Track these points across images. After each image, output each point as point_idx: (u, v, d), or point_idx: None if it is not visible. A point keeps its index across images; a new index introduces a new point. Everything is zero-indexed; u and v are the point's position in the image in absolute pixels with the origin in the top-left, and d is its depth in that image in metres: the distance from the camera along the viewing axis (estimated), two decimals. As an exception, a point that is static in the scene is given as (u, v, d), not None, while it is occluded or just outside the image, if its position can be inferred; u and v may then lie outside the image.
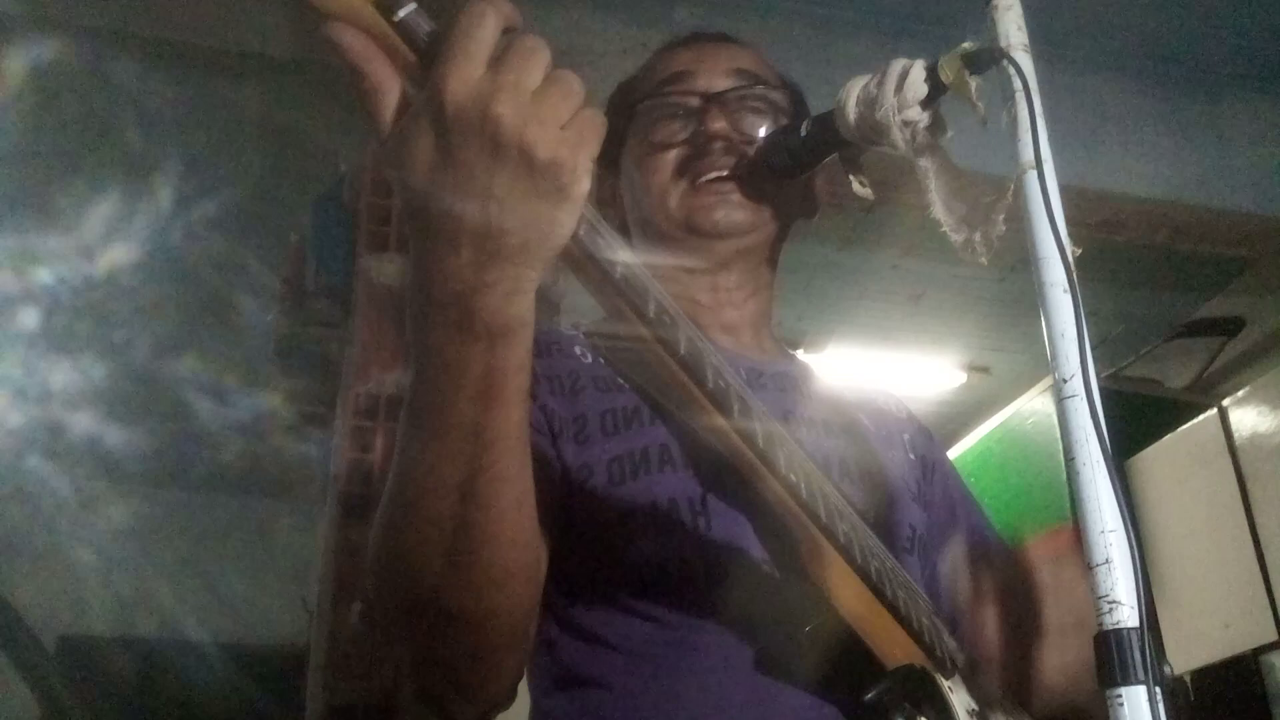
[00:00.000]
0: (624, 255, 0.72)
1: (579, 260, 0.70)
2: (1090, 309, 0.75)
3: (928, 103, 0.94)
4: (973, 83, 0.92)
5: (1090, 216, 2.95)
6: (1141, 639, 0.66)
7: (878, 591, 0.87)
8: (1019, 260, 0.78)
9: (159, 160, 3.20)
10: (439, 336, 0.64)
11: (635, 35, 2.66)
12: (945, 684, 0.89)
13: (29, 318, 3.68)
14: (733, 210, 1.04)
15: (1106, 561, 0.69)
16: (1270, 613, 2.95)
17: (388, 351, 2.26)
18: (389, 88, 0.62)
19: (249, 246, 3.38)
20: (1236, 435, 3.17)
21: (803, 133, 1.03)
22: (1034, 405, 3.60)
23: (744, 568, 0.90)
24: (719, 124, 1.05)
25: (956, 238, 0.96)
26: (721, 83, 1.08)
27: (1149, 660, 0.66)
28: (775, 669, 0.88)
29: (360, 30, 0.61)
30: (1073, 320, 0.76)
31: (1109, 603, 0.68)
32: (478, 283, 0.62)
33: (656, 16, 2.74)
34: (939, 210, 0.97)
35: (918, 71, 0.94)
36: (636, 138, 1.09)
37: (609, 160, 1.05)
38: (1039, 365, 0.80)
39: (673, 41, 1.16)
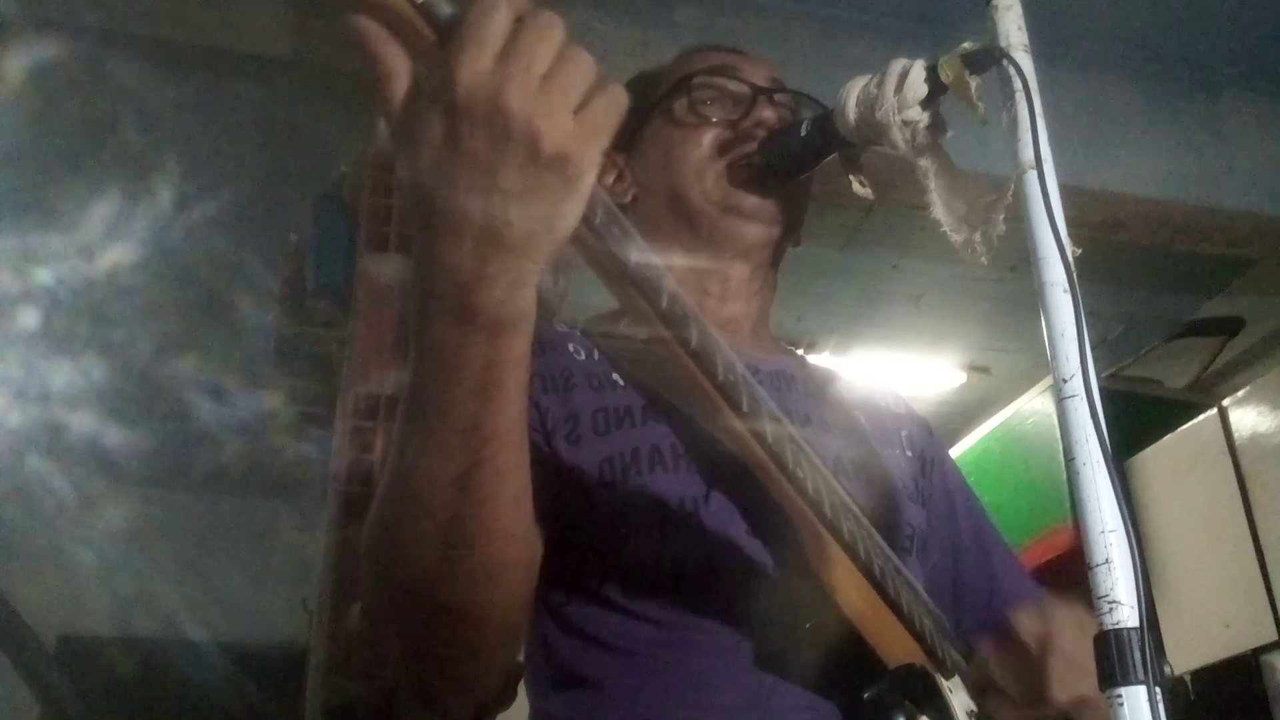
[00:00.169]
0: (639, 244, 0.72)
1: (594, 250, 0.70)
2: (1090, 309, 0.75)
3: (928, 103, 0.95)
4: (973, 83, 0.92)
5: (1090, 216, 2.95)
6: (1141, 639, 0.66)
7: (881, 590, 0.87)
8: (1019, 260, 0.78)
9: (159, 160, 3.20)
10: (439, 328, 0.64)
11: (636, 36, 2.66)
12: (945, 684, 0.89)
13: (29, 318, 3.68)
14: (768, 196, 1.05)
15: (1106, 561, 0.69)
16: (1270, 613, 2.95)
17: (388, 351, 2.26)
18: (400, 71, 0.61)
19: (249, 246, 3.37)
20: (1236, 435, 3.17)
21: (803, 133, 1.03)
22: (1034, 405, 3.60)
23: (743, 567, 0.90)
24: (768, 113, 1.07)
25: (956, 238, 0.96)
26: (765, 81, 1.10)
27: (1149, 660, 0.66)
28: (774, 668, 0.88)
29: (383, 9, 0.61)
30: (1073, 320, 0.76)
31: (1109, 603, 0.68)
32: (479, 274, 0.62)
33: (658, 17, 2.74)
34: (939, 210, 0.97)
35: (918, 71, 0.94)
36: (668, 116, 1.10)
37: (623, 139, 1.05)
38: (1039, 365, 0.80)
39: (702, 45, 1.17)
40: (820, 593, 0.86)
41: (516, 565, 0.75)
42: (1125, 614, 0.67)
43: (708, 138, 1.07)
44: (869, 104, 0.96)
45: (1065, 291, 0.77)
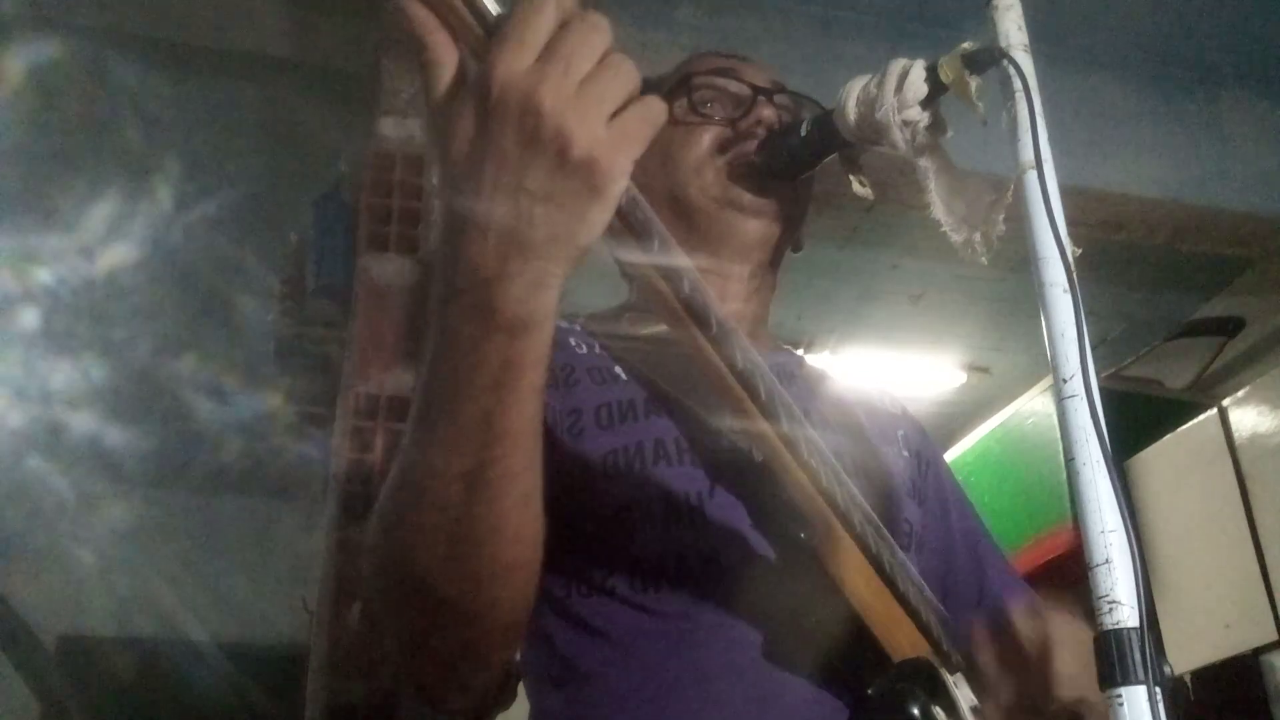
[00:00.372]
0: (660, 228, 0.73)
1: (615, 230, 0.70)
2: (1090, 309, 0.75)
3: (928, 103, 0.95)
4: (973, 83, 0.92)
5: (1090, 216, 2.95)
6: (1141, 639, 0.66)
7: (890, 582, 0.87)
8: (1019, 260, 0.78)
9: (159, 160, 3.20)
10: (459, 323, 0.64)
11: (637, 35, 2.66)
12: (950, 679, 0.89)
13: (29, 318, 3.68)
14: (767, 191, 1.05)
15: (1106, 561, 0.69)
16: (1270, 613, 2.95)
17: (388, 351, 2.26)
18: (446, 62, 0.62)
19: (249, 246, 3.37)
20: (1236, 435, 3.17)
21: (803, 133, 1.03)
22: (1034, 405, 3.60)
23: (747, 559, 0.91)
24: (767, 112, 1.07)
25: (956, 238, 0.97)
26: (767, 85, 1.10)
27: (1149, 660, 0.66)
28: (779, 662, 0.88)
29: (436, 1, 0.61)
30: (1073, 320, 0.76)
31: (1109, 603, 0.68)
32: (501, 272, 0.62)
33: (658, 17, 2.74)
34: (939, 210, 0.97)
35: (918, 71, 0.94)
36: (669, 114, 1.10)
37: None
38: (1039, 365, 0.80)
39: (705, 51, 1.18)
40: (825, 586, 0.86)
41: (521, 565, 0.75)
42: (1125, 614, 0.67)
43: (707, 136, 1.07)
44: (869, 104, 0.96)
45: (1065, 291, 0.77)
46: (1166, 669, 0.66)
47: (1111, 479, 0.71)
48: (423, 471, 0.69)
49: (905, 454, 1.11)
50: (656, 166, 1.09)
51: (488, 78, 0.59)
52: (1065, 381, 0.74)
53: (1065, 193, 0.81)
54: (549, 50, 0.60)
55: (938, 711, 0.85)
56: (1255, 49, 3.12)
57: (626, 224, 0.70)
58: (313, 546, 2.73)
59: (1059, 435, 0.78)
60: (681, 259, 0.75)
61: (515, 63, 0.59)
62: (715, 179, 1.06)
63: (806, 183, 1.10)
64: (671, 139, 1.08)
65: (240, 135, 3.17)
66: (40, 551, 4.39)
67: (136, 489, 4.70)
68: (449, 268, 0.63)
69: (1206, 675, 3.08)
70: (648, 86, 1.15)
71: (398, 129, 2.48)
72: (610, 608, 0.90)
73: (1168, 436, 3.38)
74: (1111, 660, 0.66)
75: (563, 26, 0.60)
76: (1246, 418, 3.16)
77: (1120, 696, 0.65)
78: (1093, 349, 0.75)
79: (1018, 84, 0.86)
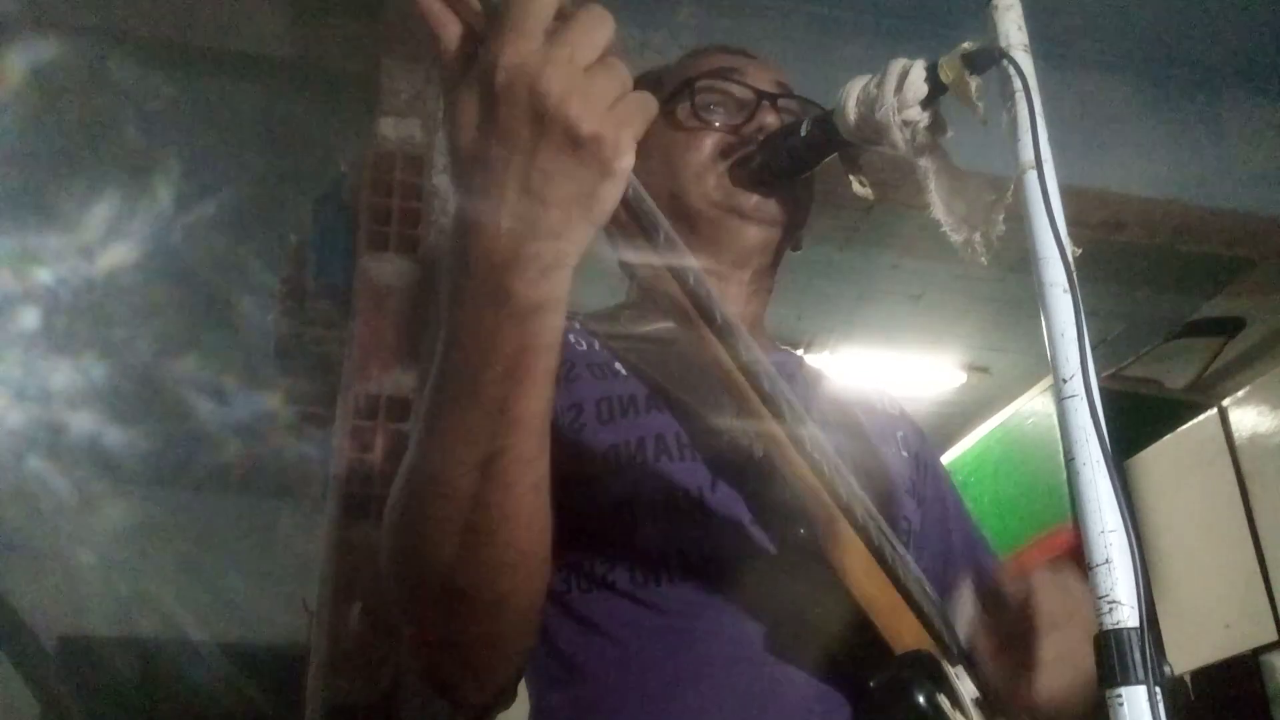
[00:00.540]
0: (664, 220, 0.73)
1: (621, 222, 0.70)
2: (1090, 309, 0.75)
3: (928, 103, 0.95)
4: (973, 83, 0.92)
5: (1090, 216, 2.95)
6: (1141, 639, 0.66)
7: (892, 574, 0.88)
8: (1019, 260, 0.78)
9: (159, 160, 3.20)
10: (473, 309, 0.64)
11: (637, 36, 2.66)
12: (952, 670, 0.89)
13: (29, 318, 3.68)
14: (768, 197, 1.05)
15: (1106, 561, 0.69)
16: (1270, 613, 2.95)
17: (388, 351, 2.26)
18: (450, 36, 0.63)
19: (249, 246, 3.37)
20: (1236, 435, 3.17)
21: (803, 133, 1.03)
22: (1034, 405, 3.60)
23: (749, 554, 0.91)
24: (770, 118, 1.07)
25: (956, 238, 0.97)
26: (770, 86, 1.10)
27: (1149, 660, 0.66)
28: (781, 657, 0.88)
29: None
30: (1073, 320, 0.76)
31: (1109, 603, 0.68)
32: (516, 256, 0.62)
33: (659, 17, 2.74)
34: (939, 210, 0.97)
35: (918, 71, 0.94)
36: (670, 118, 1.10)
37: None
38: (1039, 365, 0.80)
39: (710, 46, 1.17)
40: (827, 580, 0.86)
41: (535, 553, 0.75)
42: (1125, 614, 0.67)
43: (709, 141, 1.08)
44: (869, 104, 0.96)
45: (1065, 291, 0.77)
46: (1166, 669, 0.66)
47: (1111, 479, 0.71)
48: (435, 464, 0.69)
49: (904, 454, 1.11)
50: (659, 169, 1.09)
51: (494, 62, 0.60)
52: (1065, 381, 0.74)
53: (1065, 193, 0.81)
54: (555, 37, 0.61)
55: (941, 700, 0.85)
56: (1255, 49, 3.12)
57: (632, 215, 0.70)
58: (313, 546, 2.73)
59: (1059, 435, 0.78)
60: (686, 254, 0.75)
61: (521, 47, 0.60)
62: (717, 184, 1.06)
63: (807, 186, 1.10)
64: (673, 143, 1.08)
65: (240, 135, 3.17)
66: (40, 551, 4.39)
67: (136, 489, 4.70)
68: (461, 258, 0.64)
69: (1206, 675, 3.08)
70: (649, 79, 1.16)
71: (398, 129, 2.48)
72: (611, 603, 0.90)
73: (1168, 436, 3.38)
74: (1111, 660, 0.66)
75: (569, 16, 0.61)
76: (1246, 418, 3.16)
77: (1120, 696, 0.65)
78: (1093, 349, 0.75)
79: (1018, 84, 0.86)
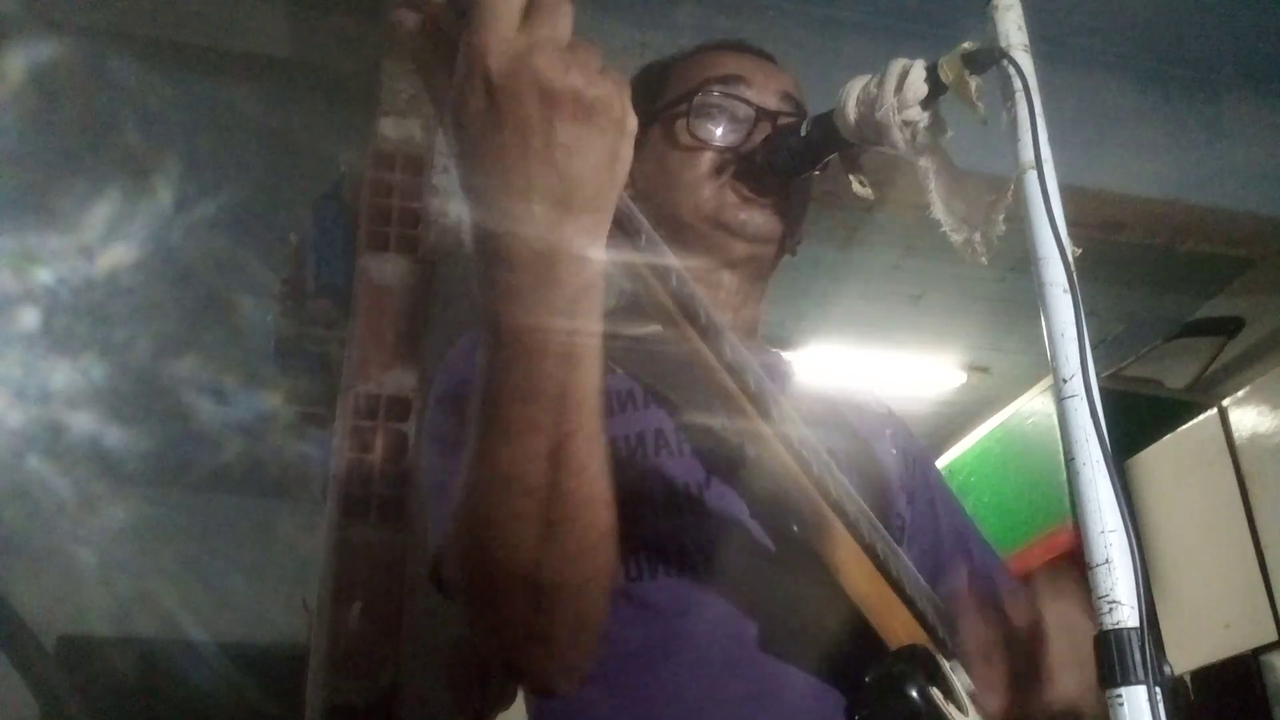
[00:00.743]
0: (647, 225, 0.75)
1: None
2: (1090, 309, 0.75)
3: (928, 103, 0.95)
4: (973, 83, 0.93)
5: (1090, 216, 2.95)
6: (1141, 639, 0.66)
7: (884, 569, 0.88)
8: (1019, 260, 0.78)
9: (159, 160, 3.20)
10: (521, 302, 0.64)
11: (636, 36, 2.66)
12: (947, 664, 0.90)
13: (29, 318, 3.68)
14: (758, 215, 1.06)
15: (1106, 561, 0.69)
16: (1270, 613, 2.95)
17: (388, 351, 2.26)
18: (408, 15, 0.65)
19: (249, 246, 3.37)
20: (1236, 435, 3.17)
21: (803, 133, 1.03)
22: (1034, 405, 3.60)
23: (746, 550, 0.91)
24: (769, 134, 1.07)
25: (956, 238, 0.97)
26: (772, 101, 1.10)
27: (1149, 660, 0.66)
28: (778, 654, 0.89)
29: None
30: (1073, 320, 0.76)
31: (1109, 603, 0.68)
32: (557, 237, 0.63)
33: (658, 18, 2.74)
34: (939, 210, 0.97)
35: (918, 71, 0.94)
36: (668, 129, 1.10)
37: None
38: (1039, 365, 0.80)
39: (718, 43, 1.17)
40: (822, 577, 0.86)
41: (611, 531, 0.75)
42: (1125, 614, 0.67)
43: (705, 157, 1.08)
44: (869, 104, 0.96)
45: (1065, 291, 0.78)
46: (1166, 669, 0.66)
47: (1111, 479, 0.71)
48: (505, 463, 0.69)
49: (893, 452, 1.12)
50: (653, 176, 1.09)
51: (484, 59, 0.61)
52: (1065, 381, 0.74)
53: (1065, 193, 0.81)
54: (531, 20, 0.62)
55: (935, 694, 0.85)
56: (1255, 49, 3.11)
57: (614, 219, 0.70)
58: (313, 546, 2.73)
59: (1059, 435, 0.78)
60: (669, 257, 0.76)
61: (503, 36, 0.61)
62: (710, 198, 1.06)
63: (802, 195, 1.10)
64: (669, 154, 1.09)
65: (240, 135, 3.16)
66: (40, 551, 4.39)
67: (136, 489, 4.70)
68: (497, 256, 0.64)
69: (1206, 675, 3.08)
70: (652, 72, 1.16)
71: (398, 129, 2.48)
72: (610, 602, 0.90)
73: (1168, 436, 3.38)
74: (1111, 660, 0.66)
75: (530, 4, 0.62)
76: (1246, 418, 3.16)
77: (1120, 696, 0.65)
78: (1093, 349, 0.75)
79: (1018, 84, 0.86)
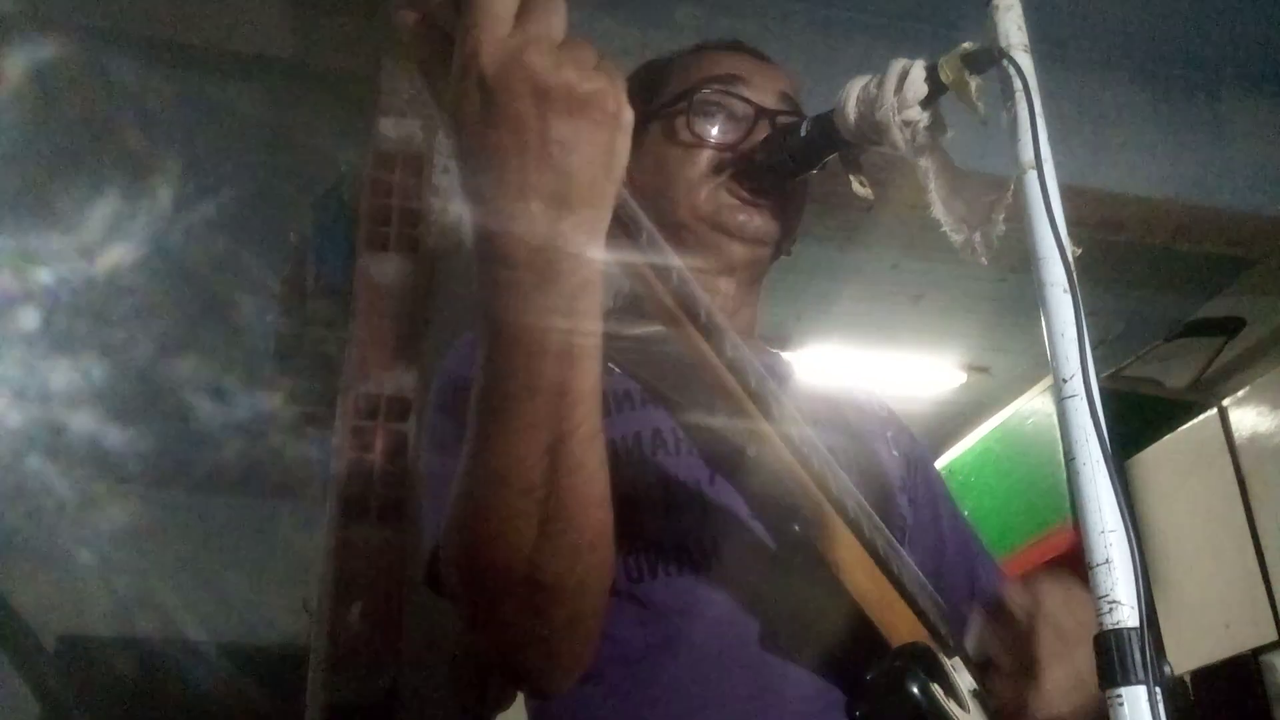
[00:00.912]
0: (649, 224, 0.75)
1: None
2: (1090, 309, 0.75)
3: (928, 103, 0.95)
4: (973, 83, 0.93)
5: (1090, 216, 2.94)
6: (1141, 639, 0.66)
7: (885, 568, 0.88)
8: (1019, 260, 0.78)
9: (159, 160, 3.20)
10: (521, 299, 0.65)
11: (635, 35, 2.66)
12: (948, 662, 0.90)
13: (29, 318, 3.68)
14: (756, 217, 1.06)
15: (1106, 561, 0.69)
16: (1270, 613, 2.95)
17: (388, 351, 2.26)
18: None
19: (249, 246, 3.37)
20: (1236, 435, 3.17)
21: (803, 133, 1.03)
22: (1034, 405, 3.60)
23: (748, 548, 0.91)
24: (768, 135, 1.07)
25: (956, 238, 0.97)
26: (771, 101, 1.10)
27: (1149, 660, 0.66)
28: (777, 653, 0.89)
29: None
30: (1073, 320, 0.76)
31: (1109, 603, 0.68)
32: (555, 233, 0.63)
33: (657, 17, 2.74)
34: (939, 210, 0.98)
35: (918, 71, 0.94)
36: (667, 127, 1.10)
37: None
38: (1039, 365, 0.80)
39: (717, 43, 1.17)
40: (823, 575, 0.86)
41: (610, 531, 0.75)
42: (1125, 614, 0.67)
43: (704, 156, 1.08)
44: (869, 104, 0.96)
45: (1065, 291, 0.78)
46: (1166, 669, 0.66)
47: (1111, 479, 0.71)
48: (503, 462, 0.69)
49: (895, 453, 1.12)
50: (651, 175, 1.09)
51: (478, 58, 0.61)
52: (1065, 381, 0.74)
53: (1065, 193, 0.81)
54: (525, 19, 0.62)
55: (936, 690, 0.85)
56: (1255, 49, 3.11)
57: (615, 215, 0.70)
58: (313, 546, 2.74)
59: (1059, 435, 0.78)
60: (670, 254, 0.76)
61: (497, 35, 0.61)
62: (707, 199, 1.06)
63: (799, 197, 1.10)
64: (667, 153, 1.09)
65: (240, 135, 3.16)
66: (40, 551, 4.39)
67: (136, 489, 4.69)
68: (496, 254, 0.64)
69: (1206, 675, 3.08)
70: (652, 70, 1.16)
71: (398, 129, 2.48)
72: (609, 601, 0.90)
73: (1168, 436, 3.38)
74: (1111, 660, 0.66)
75: (524, 3, 0.62)
76: (1246, 418, 3.16)
77: (1120, 696, 0.65)
78: (1093, 349, 0.75)
79: (1018, 84, 0.86)
